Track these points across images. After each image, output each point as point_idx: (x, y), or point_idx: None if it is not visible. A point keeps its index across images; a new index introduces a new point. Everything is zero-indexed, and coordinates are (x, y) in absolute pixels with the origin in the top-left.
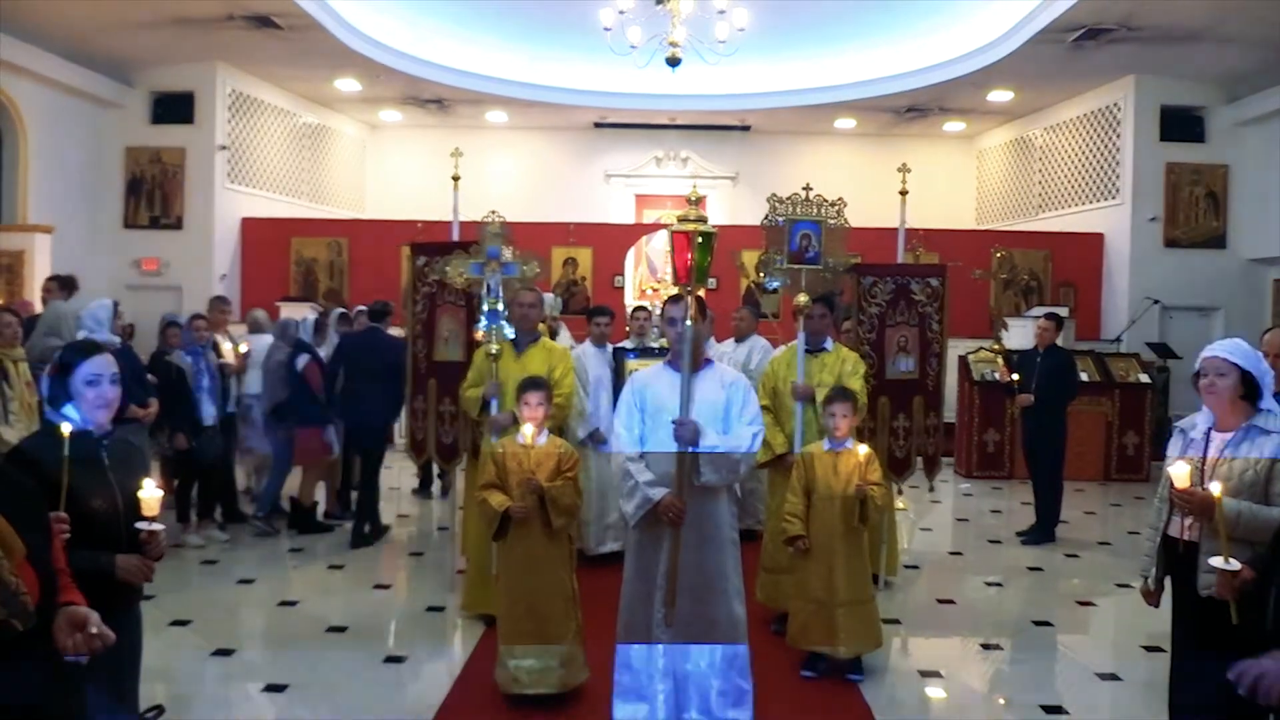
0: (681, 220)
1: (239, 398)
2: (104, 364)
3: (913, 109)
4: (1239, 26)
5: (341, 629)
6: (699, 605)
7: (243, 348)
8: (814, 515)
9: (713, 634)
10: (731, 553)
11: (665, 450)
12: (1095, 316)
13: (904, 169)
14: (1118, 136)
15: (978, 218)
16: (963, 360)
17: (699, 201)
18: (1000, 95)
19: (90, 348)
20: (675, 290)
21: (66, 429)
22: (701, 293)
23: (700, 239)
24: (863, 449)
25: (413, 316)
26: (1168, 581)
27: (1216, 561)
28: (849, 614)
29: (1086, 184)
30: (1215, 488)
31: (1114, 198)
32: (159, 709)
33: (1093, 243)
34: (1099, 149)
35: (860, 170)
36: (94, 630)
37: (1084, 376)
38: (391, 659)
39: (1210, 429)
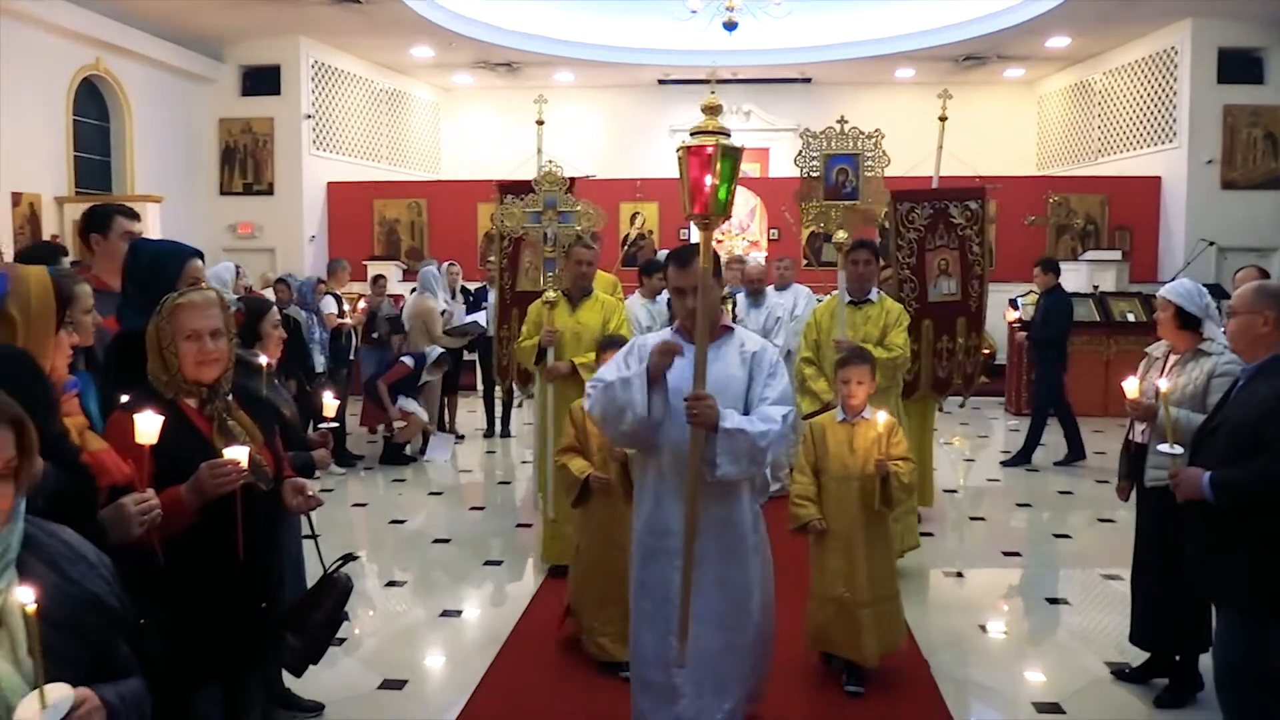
0: (695, 133)
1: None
2: None
3: (971, 57)
4: None
5: (445, 540)
6: (719, 633)
7: (361, 304)
8: (828, 499)
9: (737, 668)
10: (756, 564)
11: (675, 442)
12: (1153, 259)
13: (945, 95)
14: (1174, 80)
15: (1039, 164)
16: (1013, 303)
17: (716, 110)
18: (1058, 41)
19: (268, 302)
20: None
21: (264, 360)
22: (719, 234)
23: (723, 155)
24: (882, 417)
25: (500, 253)
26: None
27: (1163, 448)
28: (874, 615)
29: (1144, 128)
30: (1163, 384)
31: (1171, 141)
32: (351, 556)
33: (1150, 186)
34: (1156, 92)
35: (921, 119)
36: (310, 493)
37: (1130, 317)
38: (489, 563)
39: (1168, 352)
